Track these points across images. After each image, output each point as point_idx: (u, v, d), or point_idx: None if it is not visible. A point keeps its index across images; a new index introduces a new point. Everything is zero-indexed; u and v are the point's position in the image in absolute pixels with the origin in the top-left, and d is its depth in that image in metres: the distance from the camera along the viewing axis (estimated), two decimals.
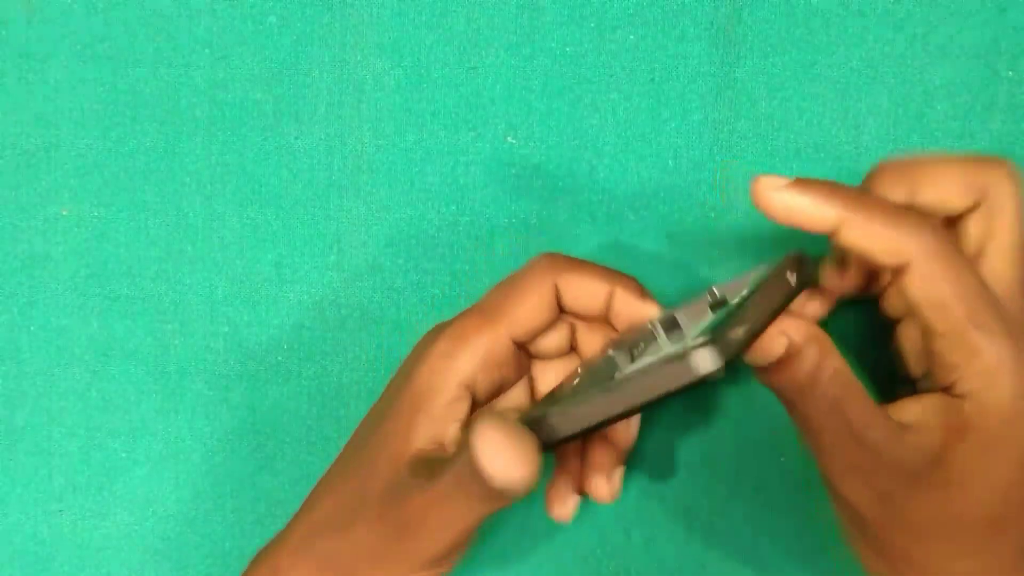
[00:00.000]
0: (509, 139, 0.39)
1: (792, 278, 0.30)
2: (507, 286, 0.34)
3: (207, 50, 0.39)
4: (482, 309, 0.33)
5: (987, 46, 0.39)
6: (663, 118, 0.39)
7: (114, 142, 0.40)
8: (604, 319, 0.34)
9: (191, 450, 0.40)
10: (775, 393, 0.31)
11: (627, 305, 0.33)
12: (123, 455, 0.40)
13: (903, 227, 0.29)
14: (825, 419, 0.30)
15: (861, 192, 0.30)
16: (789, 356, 0.30)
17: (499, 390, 0.34)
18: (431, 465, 0.31)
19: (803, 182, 0.30)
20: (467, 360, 0.32)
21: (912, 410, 0.31)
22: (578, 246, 0.39)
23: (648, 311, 0.33)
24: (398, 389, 0.33)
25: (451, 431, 0.32)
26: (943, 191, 0.31)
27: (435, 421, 0.32)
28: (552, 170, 0.39)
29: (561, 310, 0.34)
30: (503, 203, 0.39)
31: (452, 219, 0.39)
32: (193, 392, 0.40)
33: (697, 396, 0.39)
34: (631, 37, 0.39)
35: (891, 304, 0.35)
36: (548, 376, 0.36)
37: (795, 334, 0.30)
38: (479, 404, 0.34)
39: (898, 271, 0.29)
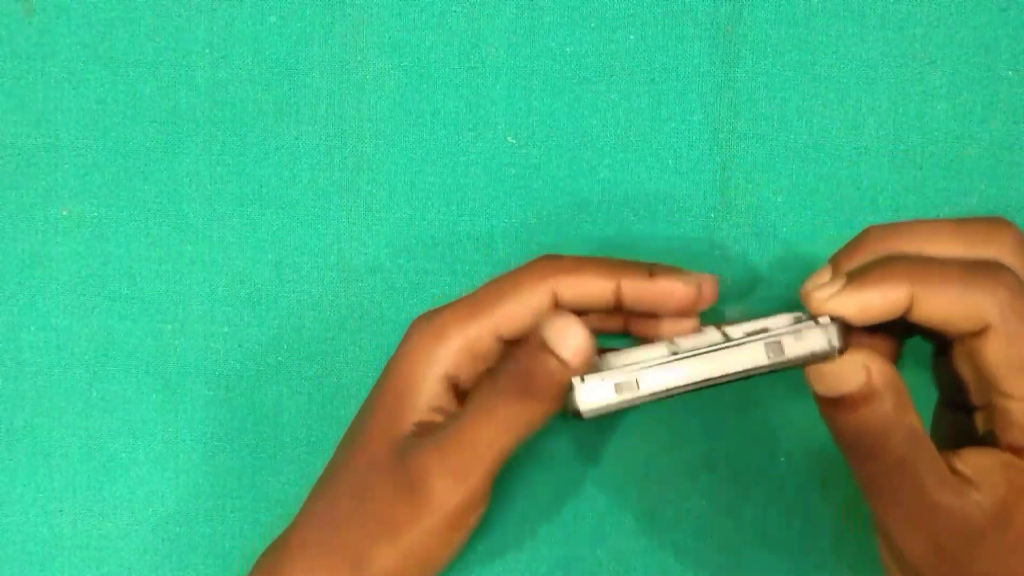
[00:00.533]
0: (509, 139, 0.39)
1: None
2: (502, 283, 0.33)
3: (207, 50, 0.39)
4: (471, 302, 0.33)
5: (987, 46, 0.39)
6: (663, 118, 0.39)
7: (114, 142, 0.40)
8: (617, 309, 0.34)
9: (191, 450, 0.40)
10: (834, 431, 0.30)
11: (638, 291, 0.33)
12: (123, 455, 0.40)
13: (978, 289, 0.28)
14: (891, 474, 0.28)
15: (921, 260, 0.29)
16: (864, 396, 0.28)
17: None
18: (435, 427, 0.32)
19: (857, 279, 0.29)
20: (447, 354, 0.33)
21: (977, 463, 0.29)
22: (578, 246, 0.39)
23: (663, 286, 0.32)
24: (382, 382, 0.34)
25: (437, 420, 0.33)
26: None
27: (419, 413, 0.33)
28: (552, 170, 0.39)
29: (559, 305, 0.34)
30: (503, 203, 0.39)
31: (452, 219, 0.39)
32: (193, 392, 0.40)
33: (697, 397, 0.39)
34: (631, 37, 0.39)
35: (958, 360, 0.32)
36: None
37: (876, 372, 0.28)
38: (463, 394, 0.34)
39: (975, 333, 0.28)
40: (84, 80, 0.40)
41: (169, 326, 0.40)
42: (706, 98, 0.39)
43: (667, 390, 0.30)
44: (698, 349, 0.30)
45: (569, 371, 0.31)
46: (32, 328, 0.40)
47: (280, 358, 0.40)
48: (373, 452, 0.33)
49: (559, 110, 0.39)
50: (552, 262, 0.33)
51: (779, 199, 0.39)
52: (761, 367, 0.30)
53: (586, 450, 0.39)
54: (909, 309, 0.28)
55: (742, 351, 0.30)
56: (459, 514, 0.32)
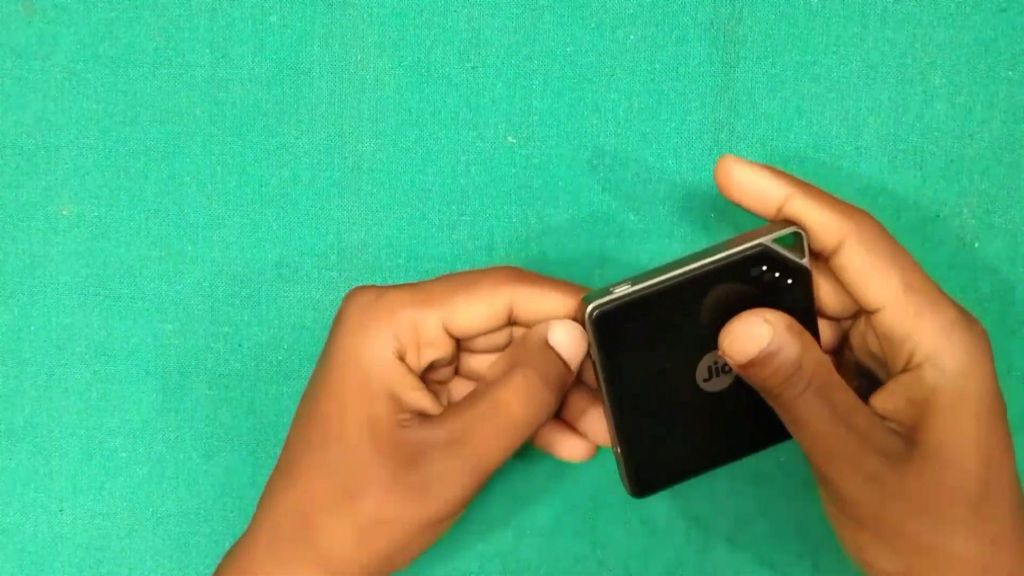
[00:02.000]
0: (509, 139, 0.39)
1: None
2: (459, 278, 0.34)
3: (207, 50, 0.39)
4: (422, 289, 0.33)
5: (987, 46, 0.39)
6: (663, 118, 0.39)
7: (114, 142, 0.40)
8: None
9: (191, 450, 0.40)
10: (761, 390, 0.32)
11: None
12: (123, 455, 0.40)
13: (842, 207, 0.32)
14: (811, 409, 0.31)
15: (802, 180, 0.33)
16: (771, 352, 0.31)
17: (430, 368, 0.34)
18: (428, 418, 0.32)
19: (755, 164, 0.32)
20: (398, 334, 0.32)
21: (880, 399, 0.32)
22: (578, 246, 0.39)
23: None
24: (333, 361, 0.33)
25: (412, 398, 0.33)
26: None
27: (396, 399, 0.32)
28: (552, 170, 0.39)
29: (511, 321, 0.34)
30: (503, 203, 0.39)
31: (452, 219, 0.39)
32: (193, 392, 0.40)
33: None
34: (631, 37, 0.39)
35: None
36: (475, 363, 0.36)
37: (778, 323, 0.31)
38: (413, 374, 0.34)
39: (835, 250, 0.31)
40: (84, 80, 0.40)
41: (169, 326, 0.40)
42: (706, 98, 0.39)
43: (661, 281, 0.32)
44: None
45: (571, 375, 0.33)
46: (33, 328, 0.40)
47: (280, 358, 0.40)
48: (352, 441, 0.32)
49: (559, 110, 0.39)
50: (515, 270, 0.34)
51: None
52: (732, 251, 0.32)
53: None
54: (783, 205, 0.32)
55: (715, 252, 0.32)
56: (457, 510, 0.32)
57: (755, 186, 0.32)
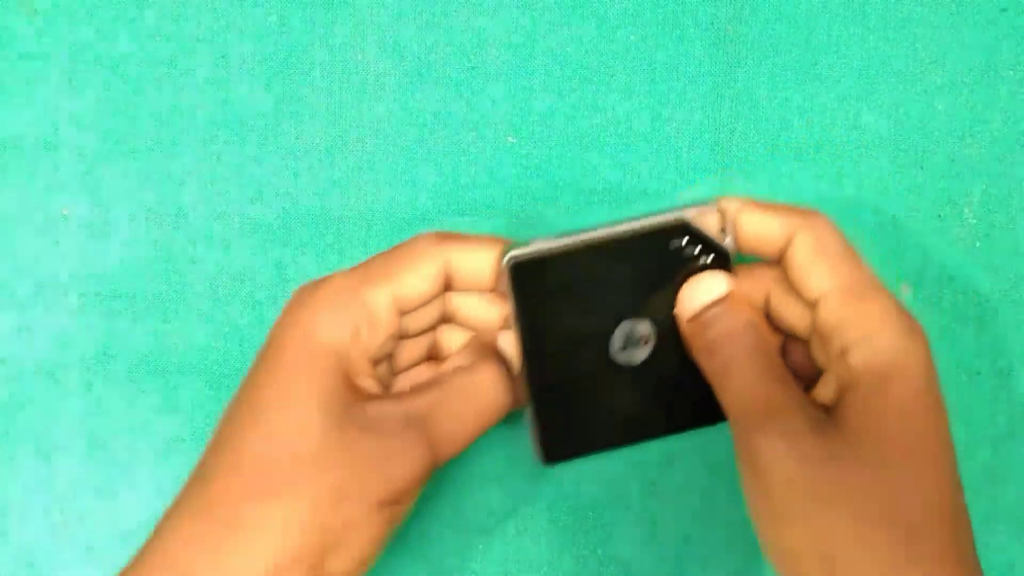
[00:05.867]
0: (509, 139, 0.39)
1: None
2: (391, 254, 0.33)
3: (207, 50, 0.39)
4: (362, 271, 0.33)
5: (987, 46, 0.39)
6: (663, 118, 0.39)
7: (114, 142, 0.40)
8: (492, 288, 0.34)
9: (191, 450, 0.40)
10: (702, 347, 0.33)
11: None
12: (123, 455, 0.40)
13: (792, 210, 0.33)
14: (750, 367, 0.32)
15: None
16: (722, 301, 0.33)
17: (382, 353, 0.33)
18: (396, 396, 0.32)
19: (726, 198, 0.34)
20: (349, 316, 0.31)
21: (813, 392, 0.33)
22: None
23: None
24: (279, 350, 0.31)
25: (365, 384, 0.32)
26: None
27: (362, 377, 0.32)
28: (552, 170, 0.39)
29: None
30: (503, 203, 0.39)
31: (452, 219, 0.39)
32: (193, 392, 0.40)
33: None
34: (631, 37, 0.39)
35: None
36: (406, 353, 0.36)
37: (735, 284, 0.33)
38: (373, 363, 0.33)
39: (785, 247, 0.32)
40: (84, 80, 0.40)
41: (169, 326, 0.40)
42: (706, 98, 0.39)
43: (581, 240, 0.33)
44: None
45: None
46: (32, 328, 0.40)
47: None
48: (299, 412, 0.30)
49: (559, 110, 0.39)
50: (440, 233, 0.33)
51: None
52: (654, 215, 0.33)
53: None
54: (738, 223, 0.33)
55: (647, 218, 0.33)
56: (412, 491, 0.31)
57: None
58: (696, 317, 0.33)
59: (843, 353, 0.31)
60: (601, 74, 0.39)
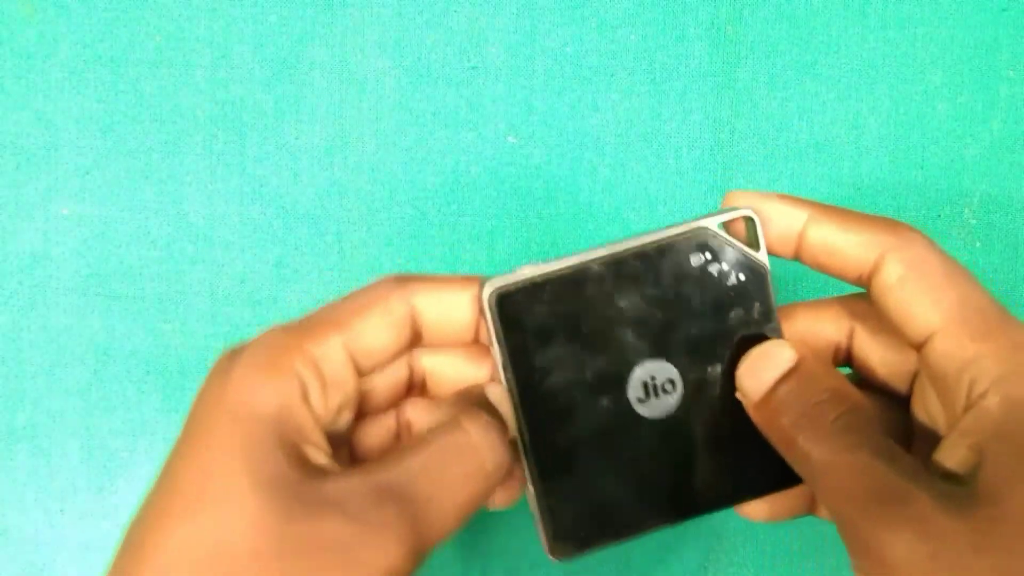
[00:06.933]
0: (509, 139, 0.39)
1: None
2: (347, 303, 0.27)
3: (207, 50, 0.39)
4: (308, 320, 0.27)
5: (987, 46, 0.39)
6: (663, 118, 0.39)
7: (114, 142, 0.40)
8: (473, 340, 0.28)
9: None
10: (775, 444, 0.26)
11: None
12: (123, 455, 0.40)
13: (874, 222, 0.26)
14: (835, 457, 0.25)
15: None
16: (792, 371, 0.26)
17: (340, 422, 0.28)
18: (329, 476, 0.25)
19: (763, 193, 0.27)
20: (282, 385, 0.25)
21: (937, 456, 0.25)
22: (578, 246, 0.39)
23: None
24: (205, 430, 0.25)
25: (316, 456, 0.25)
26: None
27: (313, 459, 0.25)
28: (552, 170, 0.39)
29: (412, 346, 0.28)
30: (503, 203, 0.39)
31: (452, 219, 0.39)
32: (193, 392, 0.40)
33: None
34: (631, 37, 0.39)
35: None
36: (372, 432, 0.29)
37: (799, 345, 0.26)
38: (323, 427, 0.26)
39: (873, 271, 0.26)
40: (84, 80, 0.40)
41: (169, 326, 0.40)
42: (706, 98, 0.39)
43: (578, 262, 0.26)
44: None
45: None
46: (32, 328, 0.40)
47: None
48: (236, 503, 0.24)
49: (559, 110, 0.39)
50: (400, 276, 0.28)
51: None
52: (665, 236, 0.27)
53: None
54: (805, 232, 0.27)
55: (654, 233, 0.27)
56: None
57: (773, 212, 0.27)
58: (765, 402, 0.26)
59: (973, 404, 0.25)
60: (601, 74, 0.39)
